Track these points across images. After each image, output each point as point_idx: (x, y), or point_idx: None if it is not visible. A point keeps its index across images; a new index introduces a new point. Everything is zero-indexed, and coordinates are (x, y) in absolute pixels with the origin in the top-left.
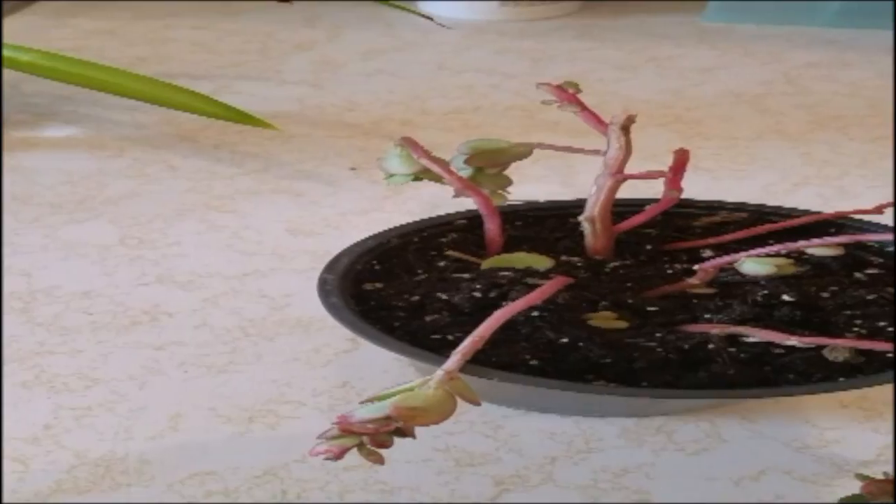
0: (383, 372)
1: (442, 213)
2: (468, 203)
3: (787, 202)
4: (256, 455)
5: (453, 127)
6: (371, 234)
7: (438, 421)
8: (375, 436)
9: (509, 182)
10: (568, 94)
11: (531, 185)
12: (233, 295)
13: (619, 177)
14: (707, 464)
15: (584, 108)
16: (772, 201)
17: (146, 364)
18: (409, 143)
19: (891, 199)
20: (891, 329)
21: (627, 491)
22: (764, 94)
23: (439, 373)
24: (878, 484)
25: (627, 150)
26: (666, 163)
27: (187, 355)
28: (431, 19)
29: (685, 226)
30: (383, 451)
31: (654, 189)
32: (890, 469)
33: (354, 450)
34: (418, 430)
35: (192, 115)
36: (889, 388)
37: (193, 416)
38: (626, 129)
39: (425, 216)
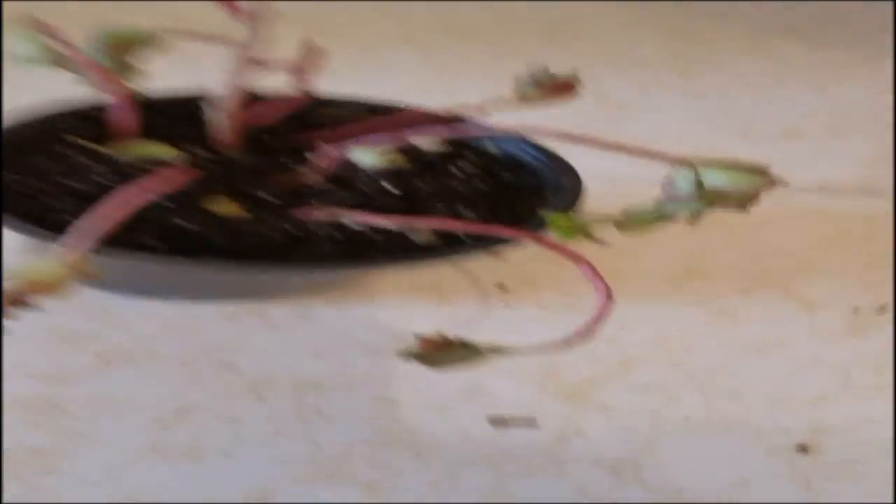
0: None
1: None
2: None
3: None
4: None
5: (78, 17)
6: None
7: (54, 293)
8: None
9: (143, 71)
10: None
11: (167, 77)
12: None
13: (251, 65)
14: (294, 340)
15: None
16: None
17: None
18: (37, 24)
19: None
20: (470, 214)
21: (218, 363)
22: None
23: (57, 249)
24: (428, 341)
25: (261, 38)
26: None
27: None
28: None
29: (313, 121)
30: None
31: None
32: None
33: None
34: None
35: None
36: (463, 270)
37: None
38: (258, 16)
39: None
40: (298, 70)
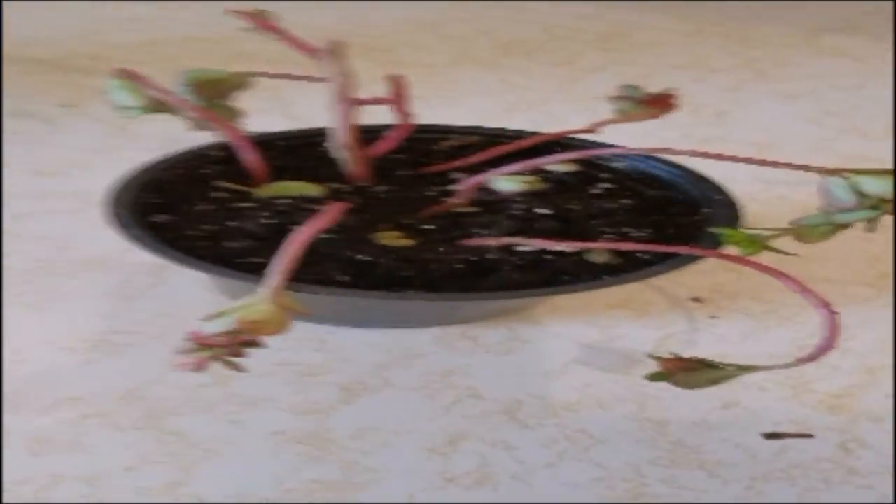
0: (196, 301)
1: (178, 145)
2: (204, 137)
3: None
4: (112, 380)
5: (146, 59)
6: (136, 168)
7: (278, 331)
8: (229, 347)
9: (240, 113)
10: (264, 21)
11: (254, 117)
12: (12, 238)
13: (353, 102)
14: (517, 362)
15: (284, 34)
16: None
17: None
18: (132, 76)
19: (599, 119)
20: (636, 233)
21: (458, 389)
22: (442, 21)
23: (266, 290)
24: (673, 362)
25: (349, 74)
26: (380, 92)
27: None
28: None
29: (428, 150)
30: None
31: (378, 118)
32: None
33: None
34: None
35: None
36: (647, 286)
37: (33, 349)
38: (338, 54)
39: (164, 151)
40: (396, 101)
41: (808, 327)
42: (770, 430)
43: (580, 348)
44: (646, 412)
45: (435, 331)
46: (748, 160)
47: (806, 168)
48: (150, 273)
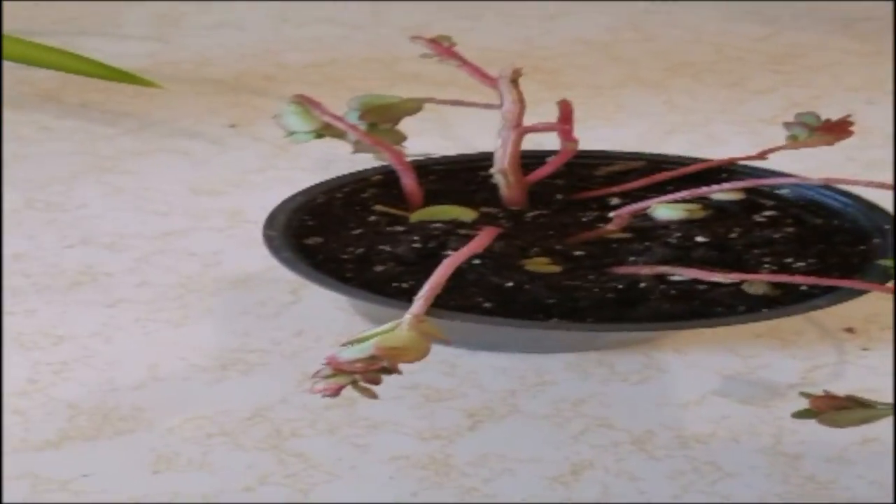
0: (331, 320)
1: (335, 169)
2: (361, 159)
3: (662, 149)
4: (240, 399)
5: (315, 80)
6: (297, 191)
7: (417, 359)
8: (366, 373)
9: (404, 137)
10: (445, 48)
11: (412, 139)
12: (161, 254)
13: (521, 129)
14: (652, 391)
15: (464, 61)
16: (648, 149)
17: (104, 321)
18: (307, 101)
19: (765, 146)
20: (798, 264)
21: (589, 418)
22: (613, 41)
23: (408, 317)
24: (823, 400)
25: (522, 102)
26: (541, 113)
27: (140, 311)
28: None
29: (588, 175)
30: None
31: (536, 140)
32: (819, 390)
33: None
34: None
35: (46, 73)
36: (800, 317)
37: (168, 365)
38: (514, 81)
39: (320, 173)
40: (562, 127)
41: None
42: None
43: (720, 379)
44: (781, 446)
45: (570, 357)
46: None
47: None
48: (287, 291)
